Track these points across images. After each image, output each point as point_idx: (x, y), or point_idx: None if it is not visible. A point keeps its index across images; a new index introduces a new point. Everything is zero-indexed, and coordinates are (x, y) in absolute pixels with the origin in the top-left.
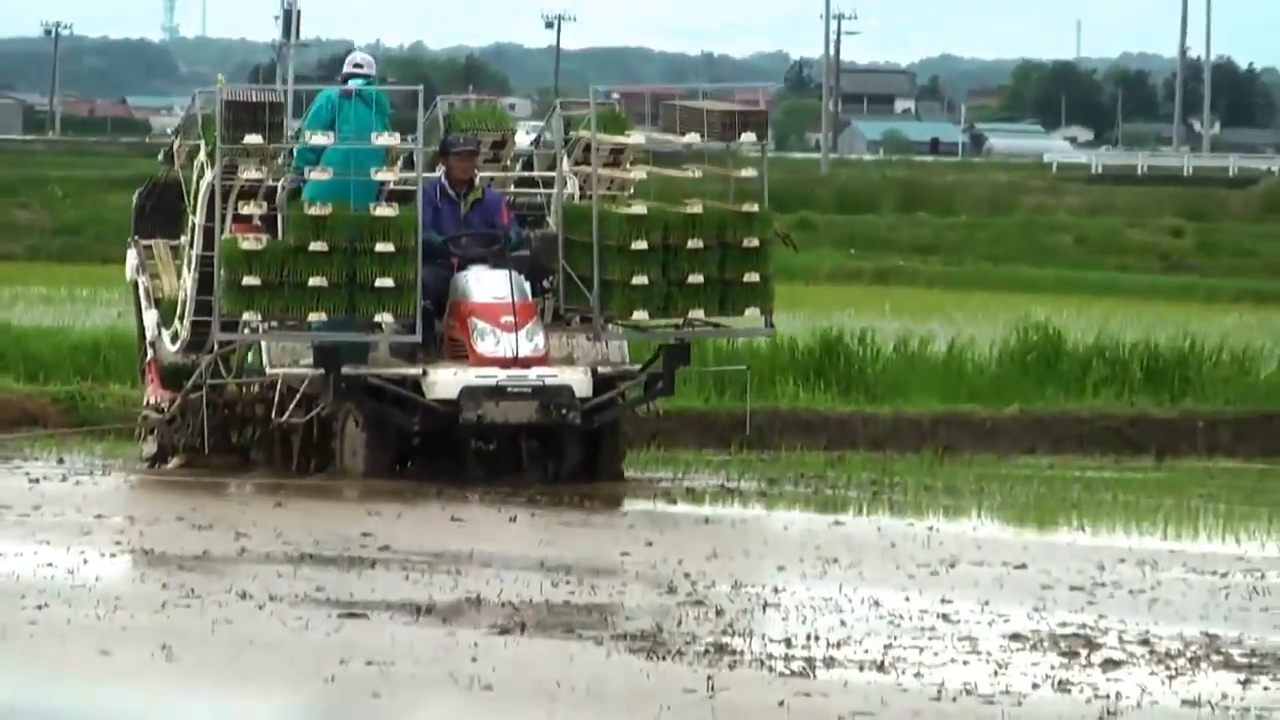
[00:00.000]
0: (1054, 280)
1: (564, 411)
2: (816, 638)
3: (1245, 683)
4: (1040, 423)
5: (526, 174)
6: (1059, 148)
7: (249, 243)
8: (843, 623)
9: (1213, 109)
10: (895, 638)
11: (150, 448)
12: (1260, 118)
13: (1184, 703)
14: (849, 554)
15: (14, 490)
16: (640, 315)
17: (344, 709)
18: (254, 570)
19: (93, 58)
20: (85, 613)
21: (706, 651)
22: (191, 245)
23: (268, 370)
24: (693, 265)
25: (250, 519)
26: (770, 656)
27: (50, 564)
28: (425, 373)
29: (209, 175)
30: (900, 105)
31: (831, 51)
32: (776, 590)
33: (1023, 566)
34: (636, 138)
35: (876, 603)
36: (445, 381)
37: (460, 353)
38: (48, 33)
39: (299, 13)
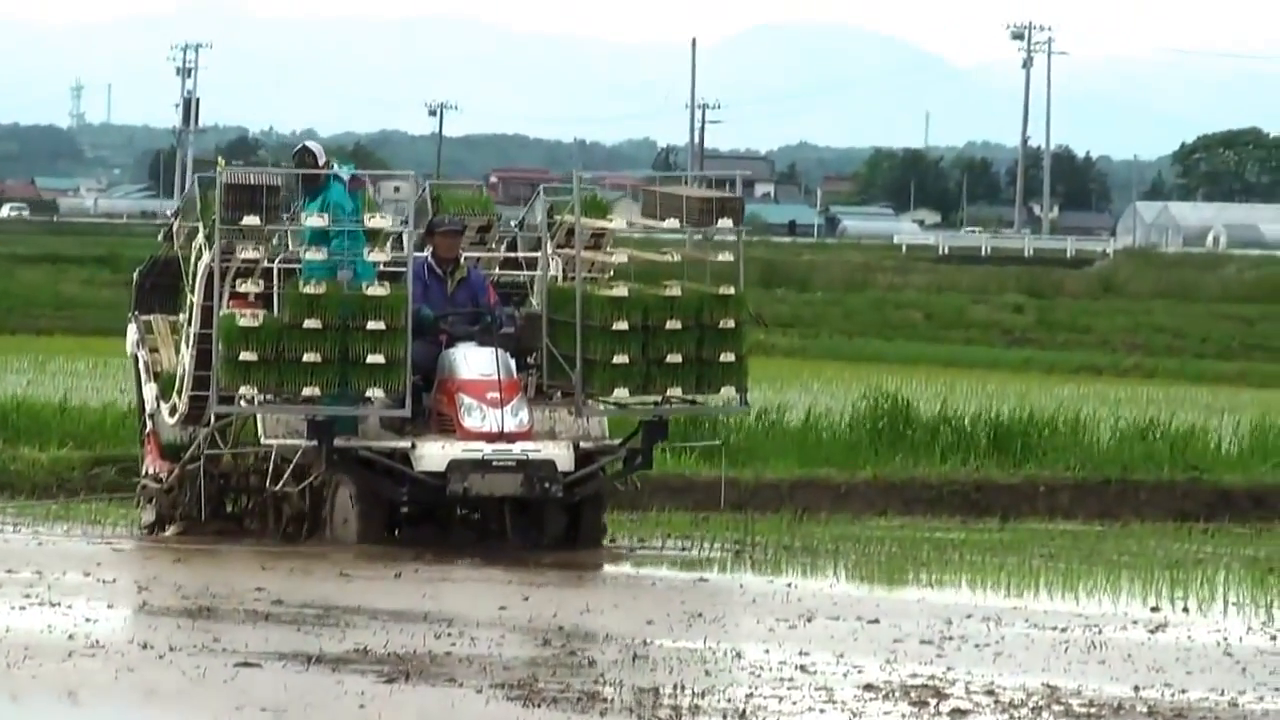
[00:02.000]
0: (903, 353)
1: (547, 485)
2: (682, 687)
3: None
4: (891, 487)
5: (511, 255)
6: (908, 230)
7: (246, 319)
8: (707, 673)
9: (1052, 194)
10: (756, 688)
11: (148, 516)
12: (1096, 202)
13: None
14: (713, 608)
15: None
16: (621, 392)
17: None
18: (154, 622)
19: (4, 142)
20: None
21: (579, 699)
22: (190, 323)
23: (262, 441)
24: (671, 345)
25: (151, 573)
26: (639, 705)
27: None
28: (414, 445)
29: (207, 256)
30: (760, 189)
31: (695, 139)
32: (645, 642)
33: (875, 621)
34: (617, 222)
35: (739, 654)
36: (433, 454)
37: (448, 427)
38: None
39: (198, 100)
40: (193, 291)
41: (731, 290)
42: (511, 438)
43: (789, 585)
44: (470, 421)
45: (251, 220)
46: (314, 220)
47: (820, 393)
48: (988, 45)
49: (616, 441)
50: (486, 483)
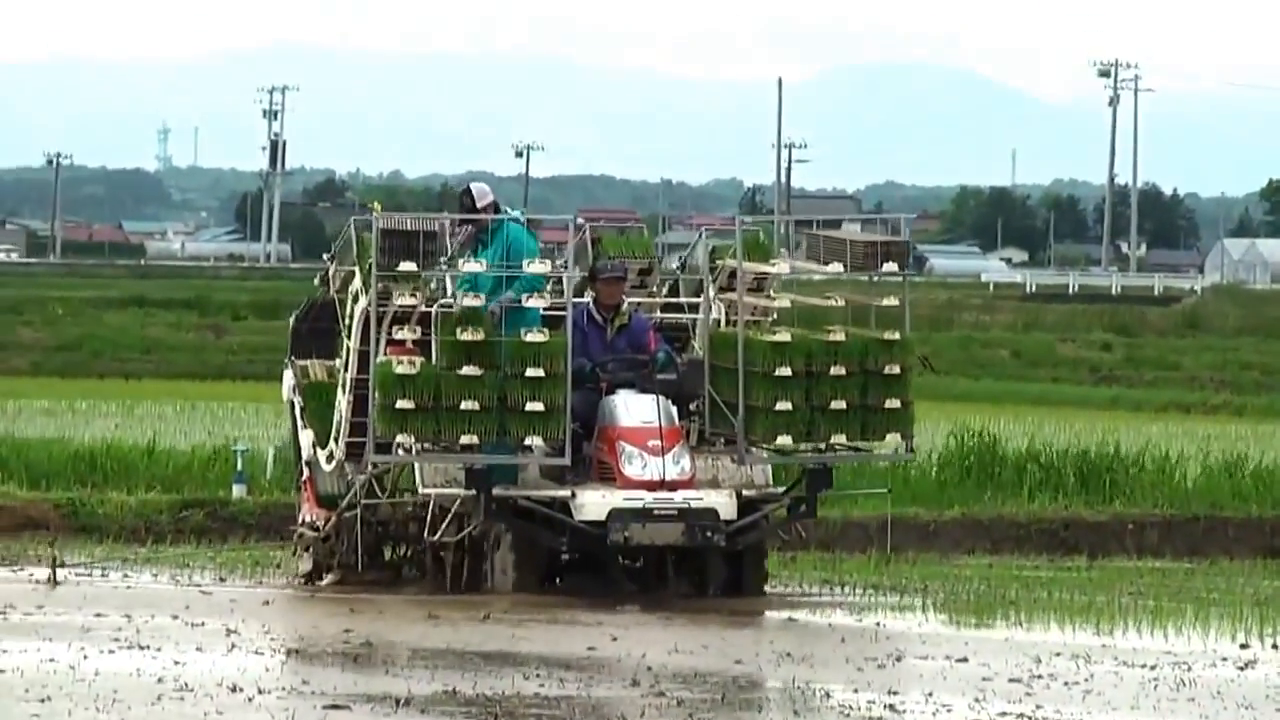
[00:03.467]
0: (990, 391)
1: (709, 533)
2: None
3: None
4: (979, 525)
5: (672, 299)
6: (995, 268)
7: (403, 367)
8: (795, 713)
9: (1139, 231)
10: None
11: (306, 565)
12: (1183, 239)
13: None
14: (802, 648)
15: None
16: (784, 440)
17: None
18: (243, 664)
19: (91, 185)
20: (85, 707)
21: None
22: (346, 368)
23: (420, 490)
24: (835, 391)
25: (240, 617)
26: None
27: (52, 659)
28: (574, 494)
29: (363, 301)
30: (847, 229)
31: (783, 178)
32: (733, 682)
33: (964, 660)
34: (781, 266)
35: (828, 694)
36: (593, 503)
37: (608, 475)
38: (49, 162)
39: (284, 142)
40: (349, 337)
41: (897, 335)
42: (673, 486)
43: (878, 624)
44: (631, 470)
45: (408, 266)
46: (472, 266)
47: None
48: (1074, 82)
49: (780, 490)
50: (648, 532)
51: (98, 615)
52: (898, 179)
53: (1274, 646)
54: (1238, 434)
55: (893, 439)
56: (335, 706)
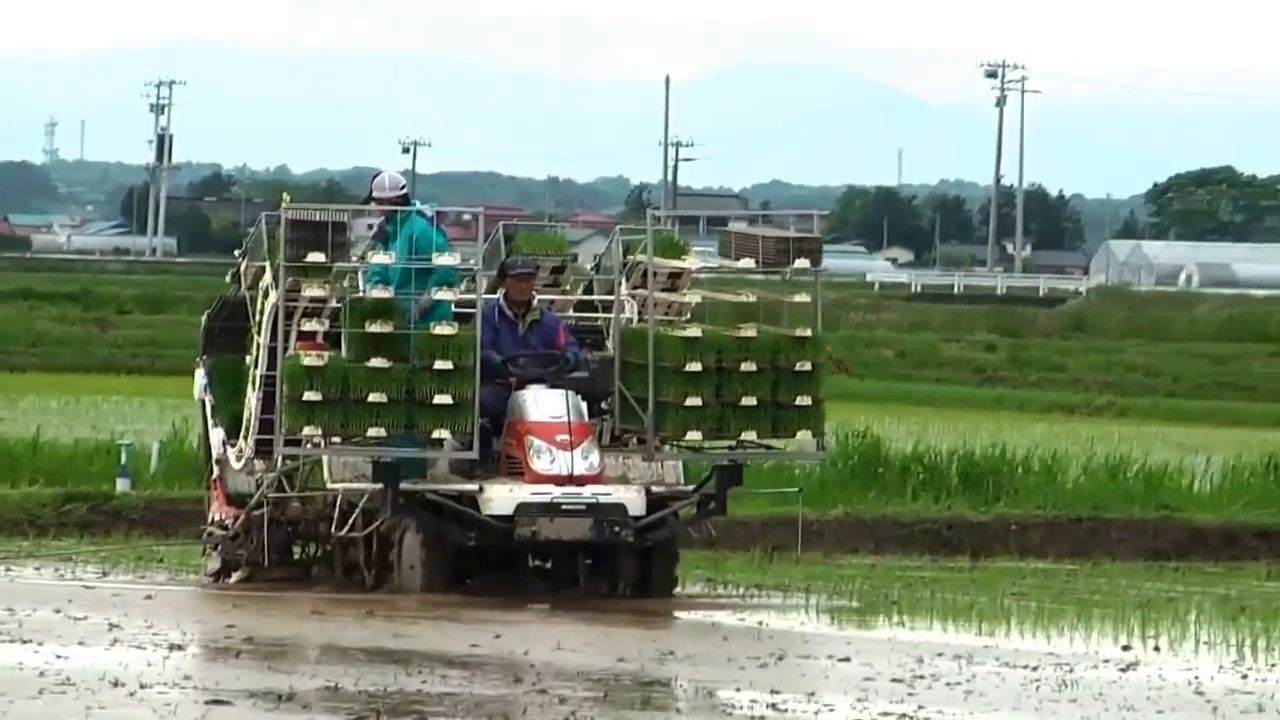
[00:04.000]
0: (875, 391)
1: (617, 529)
2: None
3: None
4: (863, 524)
5: (586, 298)
6: (881, 268)
7: (311, 359)
8: (678, 711)
9: (1025, 232)
10: None
11: (214, 564)
12: (1069, 240)
13: None
14: (685, 646)
15: None
16: (694, 436)
17: None
18: (125, 658)
19: None
20: None
21: None
22: (256, 364)
23: (328, 485)
24: (746, 388)
25: (122, 611)
26: None
27: None
28: (482, 489)
29: (273, 296)
30: (733, 228)
31: (669, 176)
32: (615, 679)
33: (846, 659)
34: (692, 262)
35: (710, 693)
36: (501, 498)
37: (516, 470)
38: None
39: (171, 137)
40: (259, 332)
41: (809, 332)
42: (582, 481)
43: (760, 623)
44: (539, 464)
45: (317, 257)
46: (381, 257)
47: None
48: (961, 83)
49: (690, 487)
50: (555, 527)
51: None
52: (784, 178)
53: (1156, 649)
54: (1121, 436)
55: (804, 436)
56: (218, 701)
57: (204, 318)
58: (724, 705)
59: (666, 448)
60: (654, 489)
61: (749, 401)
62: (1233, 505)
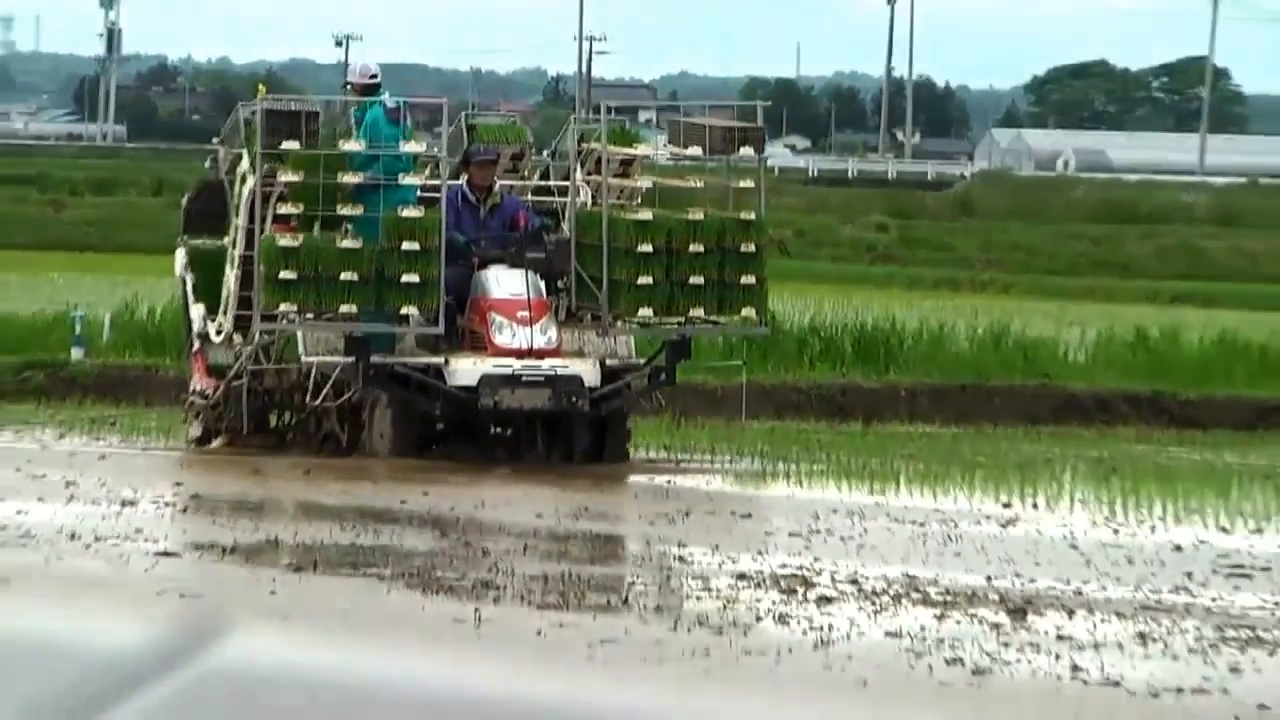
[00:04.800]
0: (774, 269)
1: (573, 399)
2: (569, 576)
3: (940, 616)
4: (764, 391)
5: (543, 183)
6: (780, 154)
7: (286, 240)
8: (591, 560)
9: (915, 121)
10: (637, 576)
11: (196, 430)
12: (955, 129)
13: (887, 634)
14: (600, 503)
15: None
16: (645, 313)
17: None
18: (81, 513)
19: None
20: None
21: (474, 587)
22: (234, 245)
23: (303, 358)
24: (693, 268)
25: (78, 471)
26: (529, 591)
27: None
28: (447, 362)
29: (251, 181)
30: (643, 116)
31: (584, 68)
32: (534, 534)
33: (748, 516)
34: (643, 150)
35: (623, 544)
36: (465, 370)
37: (479, 344)
38: None
39: (120, 31)
40: (237, 215)
41: (752, 216)
42: (540, 354)
43: (669, 482)
44: (501, 339)
45: (292, 145)
46: (351, 145)
47: None
48: None
49: (642, 360)
50: (516, 397)
51: None
52: (691, 70)
53: (1034, 506)
54: (1003, 310)
55: (747, 313)
56: (165, 554)
57: (184, 200)
58: (635, 556)
59: (619, 324)
60: (608, 362)
61: (696, 280)
62: (1104, 374)
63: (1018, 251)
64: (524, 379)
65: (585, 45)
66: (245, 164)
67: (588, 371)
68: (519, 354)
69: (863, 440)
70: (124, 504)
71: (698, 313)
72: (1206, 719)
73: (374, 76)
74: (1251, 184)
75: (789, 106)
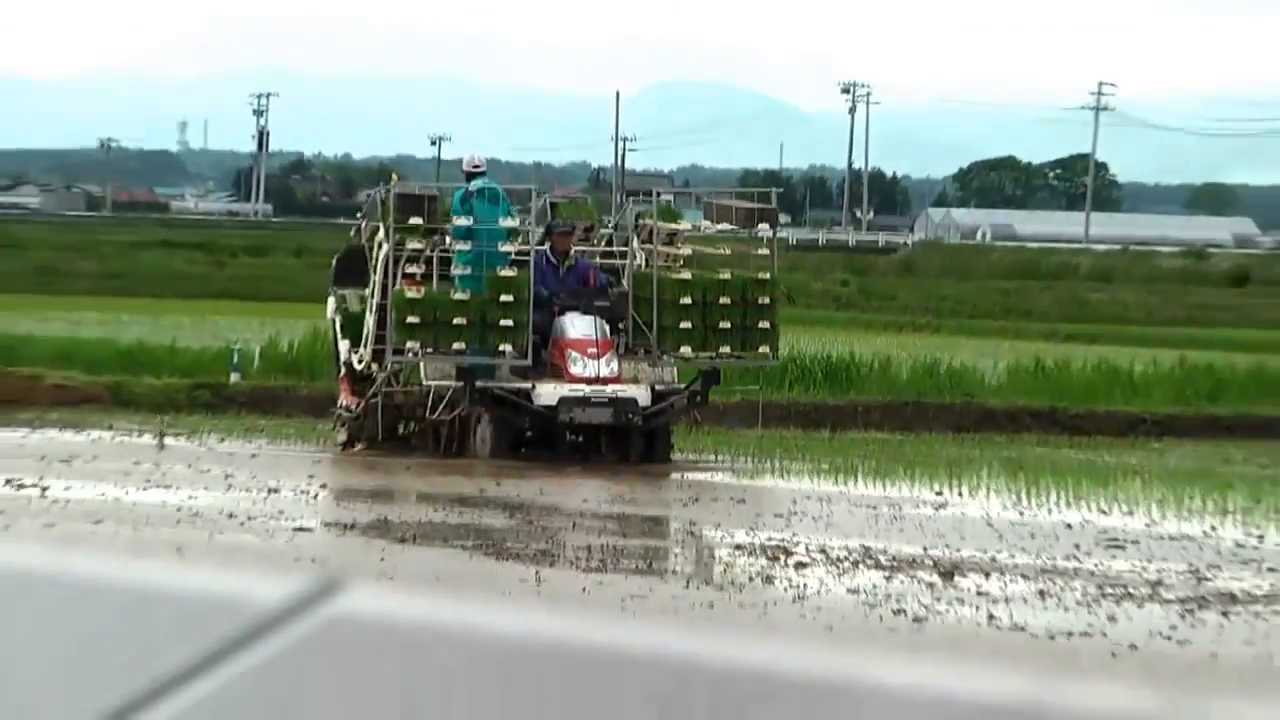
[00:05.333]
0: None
1: (630, 415)
2: (608, 547)
3: (888, 577)
4: (753, 407)
5: (607, 249)
6: (765, 229)
7: (413, 292)
8: (624, 535)
9: (869, 202)
10: (659, 547)
11: (342, 437)
12: (900, 208)
13: (848, 590)
14: (632, 491)
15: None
16: (685, 350)
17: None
18: (237, 499)
19: (131, 160)
20: (126, 526)
21: (535, 555)
22: (373, 296)
23: (424, 382)
24: (722, 315)
25: (234, 466)
26: (577, 558)
27: (103, 494)
28: (534, 386)
29: (385, 247)
30: (714, 200)
31: (619, 162)
32: (582, 514)
33: (742, 501)
34: (685, 225)
35: (649, 523)
36: (547, 393)
37: (559, 373)
38: (102, 145)
39: (268, 133)
40: (375, 273)
41: (767, 275)
42: (605, 381)
43: (682, 476)
44: (575, 369)
45: (416, 221)
46: (461, 221)
47: None
48: (824, 96)
49: (683, 385)
50: (586, 414)
51: (135, 464)
52: (700, 164)
53: (959, 494)
54: (936, 345)
55: (763, 350)
56: (301, 529)
57: (333, 260)
58: (658, 532)
59: (665, 357)
60: (656, 387)
61: (725, 325)
62: (1013, 394)
63: (947, 301)
64: (592, 400)
65: (620, 144)
66: (381, 234)
67: (641, 394)
68: (589, 381)
69: (829, 444)
70: (270, 491)
71: (725, 349)
72: (1091, 655)
73: (478, 165)
74: (1124, 250)
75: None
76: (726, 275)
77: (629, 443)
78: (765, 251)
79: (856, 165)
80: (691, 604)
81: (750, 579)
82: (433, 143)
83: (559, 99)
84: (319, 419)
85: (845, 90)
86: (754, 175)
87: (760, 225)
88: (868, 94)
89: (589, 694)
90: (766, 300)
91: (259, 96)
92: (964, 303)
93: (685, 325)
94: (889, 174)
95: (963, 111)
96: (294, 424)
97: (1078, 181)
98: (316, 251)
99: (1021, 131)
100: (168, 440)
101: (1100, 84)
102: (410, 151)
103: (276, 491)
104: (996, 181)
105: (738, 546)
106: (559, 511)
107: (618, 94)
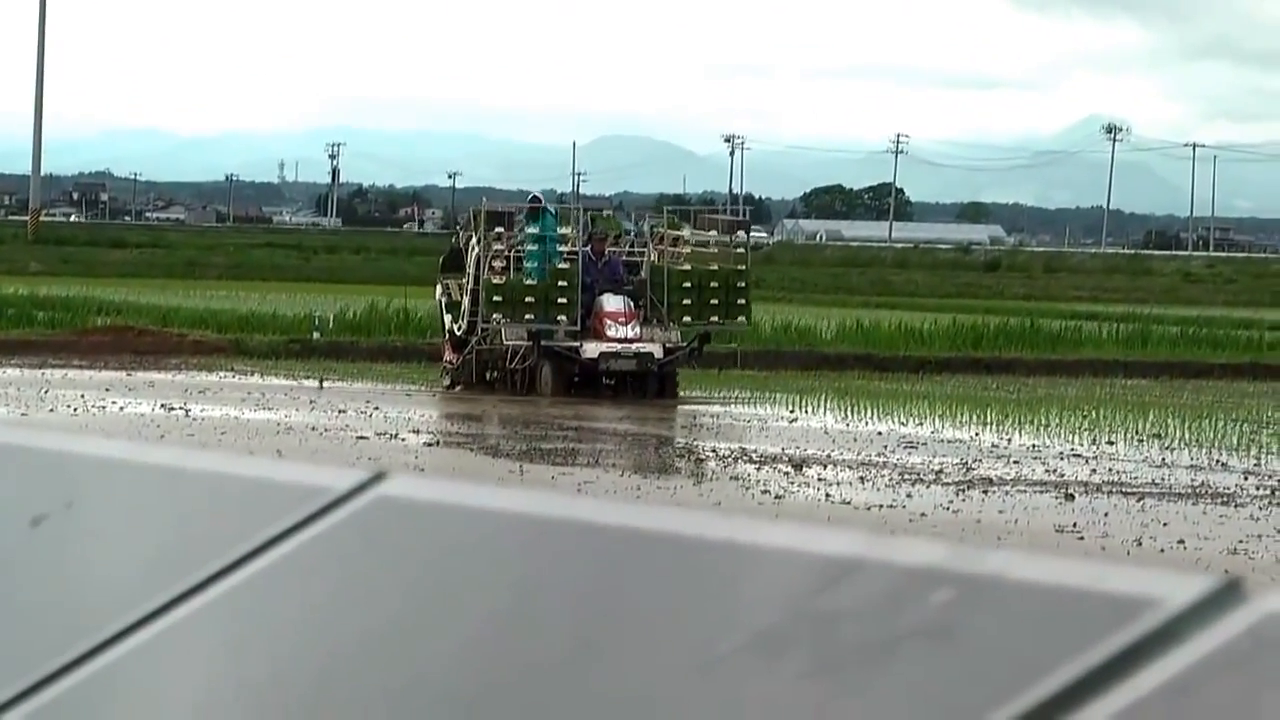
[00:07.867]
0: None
1: (649, 365)
2: (636, 456)
3: (758, 468)
4: (717, 354)
5: (630, 249)
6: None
7: (497, 280)
8: (660, 455)
9: (743, 217)
10: (678, 456)
11: (446, 381)
12: (764, 220)
13: (731, 477)
14: (662, 419)
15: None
16: (686, 319)
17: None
18: (319, 417)
19: (247, 189)
20: (238, 436)
21: (564, 457)
22: (468, 282)
23: (504, 342)
24: (712, 295)
25: (316, 394)
26: (609, 464)
27: (226, 413)
28: (581, 345)
29: (478, 249)
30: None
31: (575, 189)
32: (625, 434)
33: (730, 424)
34: (685, 232)
35: (667, 441)
36: (591, 349)
37: (598, 335)
38: (226, 178)
39: (339, 169)
40: (470, 266)
41: (742, 268)
42: (631, 341)
43: (678, 407)
44: (610, 333)
45: (499, 230)
46: (531, 230)
47: None
48: (713, 142)
49: (685, 344)
50: (619, 364)
51: (248, 393)
52: (631, 190)
53: (805, 412)
54: (788, 312)
55: (740, 319)
56: (360, 438)
57: (440, 258)
58: (676, 446)
59: (673, 324)
60: (667, 345)
61: (714, 302)
62: (842, 345)
63: (796, 281)
64: (622, 354)
65: (576, 178)
66: (474, 239)
67: (656, 350)
68: (620, 341)
69: (717, 378)
70: (339, 412)
71: (714, 318)
72: (896, 521)
73: (534, 199)
74: (915, 248)
75: (679, 215)
76: (714, 267)
77: (647, 384)
78: (741, 251)
79: (736, 191)
80: (701, 496)
81: (665, 470)
82: (449, 176)
83: (536, 146)
84: (374, 363)
85: (727, 139)
86: (668, 199)
87: (739, 233)
88: (742, 142)
89: (543, 552)
90: (742, 285)
91: (333, 144)
92: (807, 283)
93: (686, 302)
94: (758, 196)
95: (807, 154)
96: (357, 368)
97: (884, 201)
98: (371, 250)
99: (846, 167)
100: (325, 384)
101: (898, 135)
102: (434, 183)
103: (345, 413)
104: (829, 201)
105: (669, 447)
106: (608, 432)
107: (574, 143)
